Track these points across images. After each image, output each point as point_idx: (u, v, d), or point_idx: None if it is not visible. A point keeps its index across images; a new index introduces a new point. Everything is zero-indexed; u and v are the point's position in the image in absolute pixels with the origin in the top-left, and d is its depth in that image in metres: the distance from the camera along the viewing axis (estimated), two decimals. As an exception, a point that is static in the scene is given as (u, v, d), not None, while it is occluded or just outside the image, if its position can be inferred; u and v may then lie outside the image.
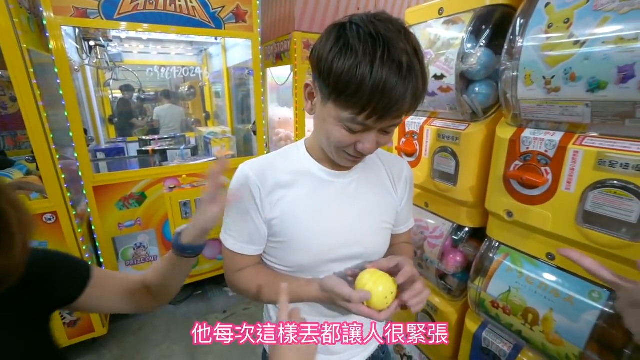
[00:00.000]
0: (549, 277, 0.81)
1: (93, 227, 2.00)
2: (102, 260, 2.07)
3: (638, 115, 0.60)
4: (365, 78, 0.47)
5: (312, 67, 0.56)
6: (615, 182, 0.64)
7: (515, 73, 0.76)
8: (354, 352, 0.76)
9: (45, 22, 1.63)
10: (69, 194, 1.73)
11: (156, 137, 3.12)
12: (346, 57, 0.48)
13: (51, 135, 1.63)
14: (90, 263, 0.62)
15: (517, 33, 0.76)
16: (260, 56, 2.27)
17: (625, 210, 0.63)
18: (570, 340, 0.75)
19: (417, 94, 0.51)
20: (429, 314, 1.17)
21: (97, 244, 2.04)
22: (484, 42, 0.89)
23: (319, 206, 0.66)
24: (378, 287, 0.57)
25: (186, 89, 4.16)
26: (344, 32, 0.50)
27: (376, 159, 0.75)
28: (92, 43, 2.51)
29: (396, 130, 1.20)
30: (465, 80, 0.93)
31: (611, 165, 0.64)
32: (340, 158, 0.61)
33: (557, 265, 0.81)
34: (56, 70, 1.69)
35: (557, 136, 0.74)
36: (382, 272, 0.60)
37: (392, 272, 0.61)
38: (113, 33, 2.54)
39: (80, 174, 1.87)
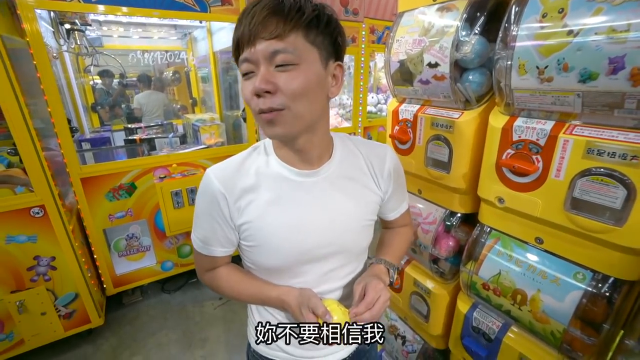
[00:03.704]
0: (537, 260, 0.85)
1: (83, 220, 1.97)
2: (93, 252, 2.05)
3: (627, 106, 0.62)
4: (237, 28, 0.54)
5: None
6: (602, 169, 0.67)
7: (509, 62, 0.76)
8: (338, 347, 0.77)
9: (16, 5, 1.53)
10: (56, 187, 1.69)
11: (142, 125, 3.03)
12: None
13: (32, 127, 1.57)
14: None
15: (512, 21, 0.76)
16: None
17: (611, 196, 0.66)
18: (555, 318, 0.80)
19: (280, 10, 0.51)
20: (422, 297, 1.21)
21: (88, 236, 2.01)
22: (478, 29, 0.89)
23: (288, 208, 0.65)
24: (333, 316, 0.61)
25: (171, 75, 4.02)
26: None
27: (354, 150, 0.73)
28: (68, 26, 2.38)
29: (389, 119, 1.21)
30: (459, 68, 0.94)
31: (599, 153, 0.67)
32: (259, 122, 0.58)
33: (545, 249, 0.85)
34: (33, 56, 1.61)
35: (548, 125, 0.75)
36: (340, 305, 0.64)
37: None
38: (92, 16, 2.41)
39: (66, 165, 1.82)
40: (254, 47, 0.52)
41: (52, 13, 2.13)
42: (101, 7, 1.76)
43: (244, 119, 2.41)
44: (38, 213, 1.66)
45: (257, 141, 2.44)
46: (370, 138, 3.31)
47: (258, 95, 0.54)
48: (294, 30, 0.52)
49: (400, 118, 1.15)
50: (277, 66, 0.52)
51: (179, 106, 4.15)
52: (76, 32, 2.43)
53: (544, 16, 0.70)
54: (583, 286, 0.76)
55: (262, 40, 0.51)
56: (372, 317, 0.62)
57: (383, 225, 0.89)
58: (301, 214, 0.65)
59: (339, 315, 0.62)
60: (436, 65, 0.93)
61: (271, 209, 0.64)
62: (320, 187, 0.67)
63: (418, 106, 1.11)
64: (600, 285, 0.75)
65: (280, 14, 0.51)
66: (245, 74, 0.55)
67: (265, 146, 0.69)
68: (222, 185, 0.63)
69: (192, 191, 2.12)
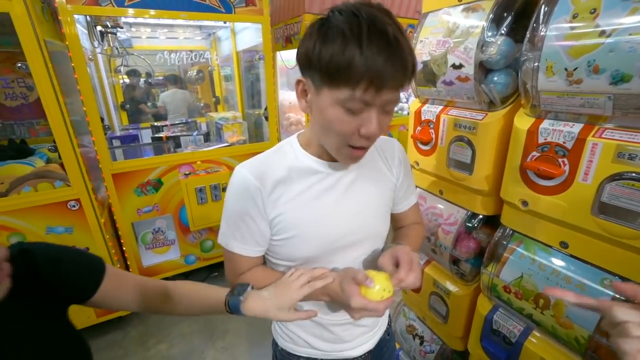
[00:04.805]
0: (561, 264, 0.84)
1: (113, 213, 2.08)
2: (123, 244, 2.16)
3: (661, 109, 0.60)
4: (356, 54, 0.49)
5: (301, 64, 0.58)
6: (634, 174, 0.65)
7: (537, 64, 0.75)
8: (363, 339, 0.80)
9: (58, 11, 1.64)
10: (89, 182, 1.79)
11: (168, 123, 3.15)
12: (334, 38, 0.50)
13: (70, 125, 1.67)
14: (104, 262, 0.62)
15: (540, 21, 0.75)
16: (271, 40, 2.25)
17: (642, 202, 0.65)
18: (580, 324, 0.78)
19: (408, 65, 0.53)
20: (442, 297, 1.21)
21: (118, 229, 2.12)
22: (504, 30, 0.88)
23: (319, 198, 0.67)
24: (375, 285, 0.61)
25: (195, 74, 4.14)
26: (327, 21, 0.53)
27: None
28: (100, 28, 2.51)
29: (412, 119, 1.21)
30: (484, 69, 0.93)
31: (630, 157, 0.65)
32: (344, 155, 0.61)
33: (570, 253, 0.83)
34: (71, 59, 1.71)
35: (576, 128, 0.74)
36: (380, 272, 0.64)
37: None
38: (123, 19, 2.52)
39: (98, 161, 1.93)
40: (380, 95, 0.53)
41: (87, 17, 2.25)
42: (132, 11, 1.84)
43: (266, 118, 2.46)
44: (74, 206, 1.77)
45: (278, 139, 2.48)
46: (390, 137, 3.28)
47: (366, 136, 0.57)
48: (407, 84, 0.56)
49: (423, 119, 1.15)
50: (384, 110, 0.56)
51: (202, 104, 4.27)
52: (109, 34, 2.55)
53: (574, 17, 0.68)
54: (610, 292, 0.74)
55: (387, 91, 0.53)
56: (415, 280, 0.62)
57: (394, 226, 0.88)
58: (332, 203, 0.68)
59: (381, 282, 0.61)
60: (460, 66, 0.93)
61: (303, 200, 0.66)
62: (347, 178, 0.70)
63: (441, 107, 1.10)
64: (629, 292, 0.73)
65: (405, 68, 0.53)
66: (349, 108, 0.54)
67: (292, 144, 0.71)
68: (256, 178, 0.64)
69: (215, 188, 2.19)
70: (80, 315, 1.94)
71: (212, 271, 2.63)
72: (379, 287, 0.60)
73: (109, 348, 2.01)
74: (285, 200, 0.66)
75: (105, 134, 2.18)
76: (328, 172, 0.68)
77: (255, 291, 0.66)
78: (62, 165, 1.73)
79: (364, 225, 0.72)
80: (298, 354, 0.80)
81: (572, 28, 0.69)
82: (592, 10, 0.65)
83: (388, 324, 0.90)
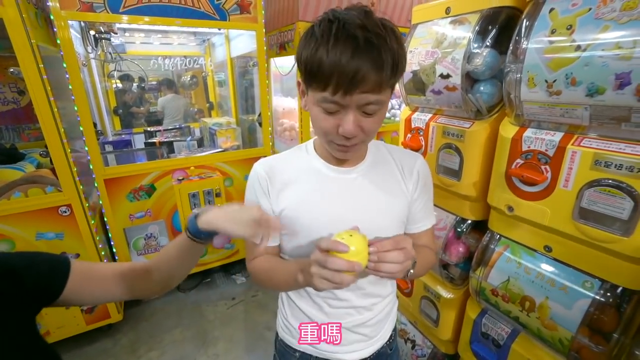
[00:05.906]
0: (545, 268, 0.87)
1: (105, 219, 2.06)
2: (114, 250, 2.14)
3: (633, 120, 0.64)
4: (323, 56, 0.51)
5: (297, 66, 0.61)
6: (610, 181, 0.69)
7: (519, 75, 0.79)
8: (360, 346, 0.79)
9: (52, 17, 1.64)
10: (81, 187, 1.78)
11: (161, 128, 3.15)
12: (310, 44, 0.54)
13: (62, 130, 1.66)
14: (69, 257, 0.61)
15: (522, 35, 0.79)
16: (265, 47, 2.27)
17: (618, 207, 0.68)
18: (563, 325, 0.81)
19: (380, 66, 0.52)
20: (432, 301, 1.23)
21: (110, 235, 2.11)
22: (489, 42, 0.92)
23: (321, 200, 0.69)
24: (350, 247, 0.51)
25: (188, 79, 4.14)
26: (312, 27, 0.56)
27: (387, 155, 0.76)
28: (94, 34, 2.51)
29: (402, 126, 1.24)
30: (471, 79, 0.96)
31: (606, 165, 0.69)
32: (332, 149, 0.64)
33: (553, 257, 0.86)
34: (65, 65, 1.71)
35: (557, 136, 0.78)
36: (355, 233, 0.55)
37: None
38: (117, 25, 2.53)
39: (91, 167, 1.91)
40: (350, 96, 0.53)
41: (81, 22, 2.25)
42: (127, 18, 1.85)
43: (260, 124, 2.47)
44: (65, 212, 1.75)
45: (272, 145, 2.49)
46: (381, 142, 3.32)
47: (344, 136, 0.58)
48: (388, 86, 0.56)
49: (413, 126, 1.18)
50: (364, 112, 0.57)
51: (196, 110, 4.27)
52: (103, 39, 2.55)
53: (553, 32, 0.72)
54: (591, 294, 0.77)
55: (359, 93, 0.53)
56: (394, 260, 0.55)
57: None
58: (333, 206, 0.69)
59: (357, 244, 0.52)
60: (448, 76, 0.97)
61: (305, 199, 0.69)
62: (353, 184, 0.71)
63: (430, 115, 1.14)
64: (608, 294, 0.76)
65: (380, 70, 0.52)
66: (325, 108, 0.57)
67: (308, 145, 0.75)
68: (266, 172, 0.71)
69: (209, 193, 2.19)
70: (71, 323, 1.91)
71: (205, 277, 2.62)
72: (354, 248, 0.51)
73: (98, 356, 1.97)
74: (289, 196, 0.69)
75: (98, 139, 2.16)
76: (333, 176, 0.70)
77: (216, 206, 0.62)
78: (53, 170, 1.72)
79: (367, 232, 0.68)
80: (295, 347, 0.81)
81: (551, 42, 0.73)
82: (569, 27, 0.69)
83: (391, 338, 0.86)
